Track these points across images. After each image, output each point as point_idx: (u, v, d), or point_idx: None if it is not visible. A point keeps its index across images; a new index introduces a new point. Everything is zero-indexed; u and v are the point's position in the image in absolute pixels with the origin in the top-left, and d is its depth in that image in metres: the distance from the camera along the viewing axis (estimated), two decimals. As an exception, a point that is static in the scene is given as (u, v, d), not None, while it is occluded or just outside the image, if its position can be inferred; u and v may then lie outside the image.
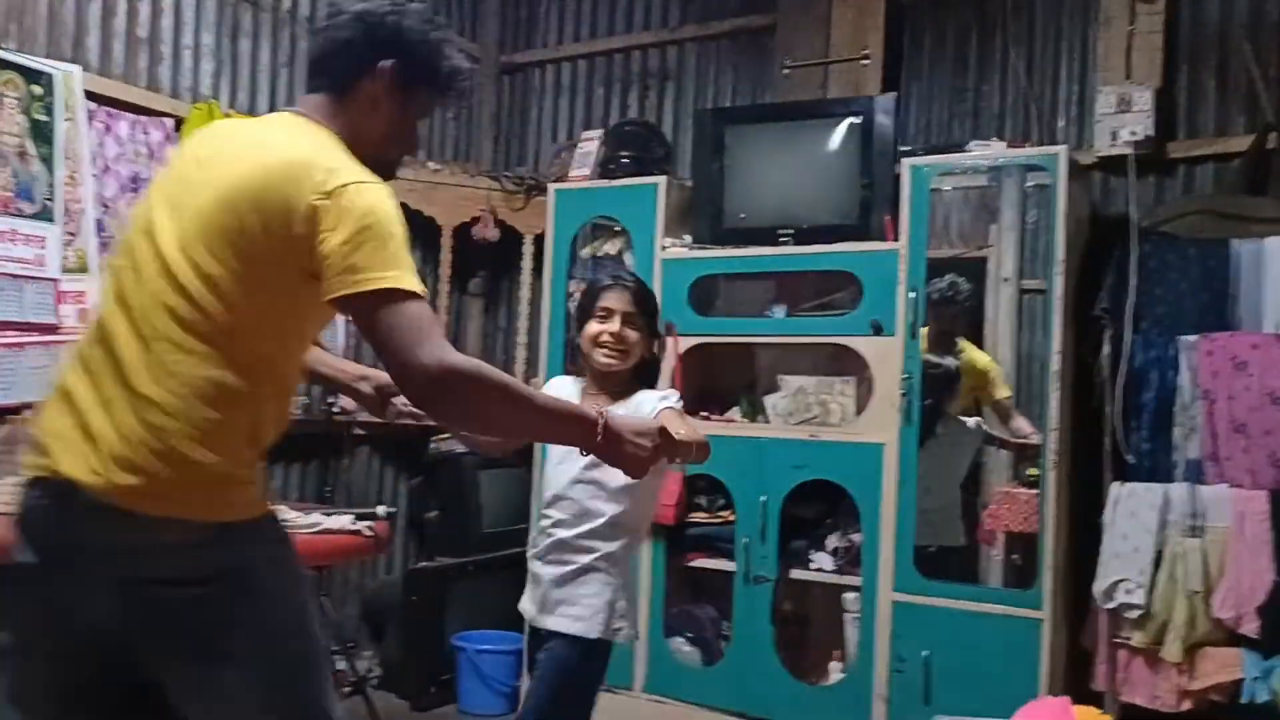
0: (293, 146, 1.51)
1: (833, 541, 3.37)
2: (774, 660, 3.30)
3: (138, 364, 1.45)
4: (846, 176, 3.41)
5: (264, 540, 1.54)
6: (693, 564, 3.58)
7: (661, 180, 3.64)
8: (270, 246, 1.45)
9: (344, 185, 1.43)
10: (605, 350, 2.31)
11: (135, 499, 1.41)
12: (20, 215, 2.97)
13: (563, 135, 4.59)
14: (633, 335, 2.31)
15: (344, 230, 1.40)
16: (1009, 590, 3.22)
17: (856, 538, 3.30)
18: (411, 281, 1.41)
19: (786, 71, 3.90)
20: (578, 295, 2.97)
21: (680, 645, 3.56)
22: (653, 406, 2.24)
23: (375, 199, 1.44)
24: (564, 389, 2.38)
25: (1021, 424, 3.41)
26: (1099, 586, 3.04)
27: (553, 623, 2.25)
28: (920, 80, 3.86)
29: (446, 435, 4.22)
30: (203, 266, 1.46)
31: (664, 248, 3.61)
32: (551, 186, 3.92)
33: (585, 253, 3.90)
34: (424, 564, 4.08)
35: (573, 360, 3.85)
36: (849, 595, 3.34)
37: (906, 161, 3.27)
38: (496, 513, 4.14)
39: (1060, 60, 3.65)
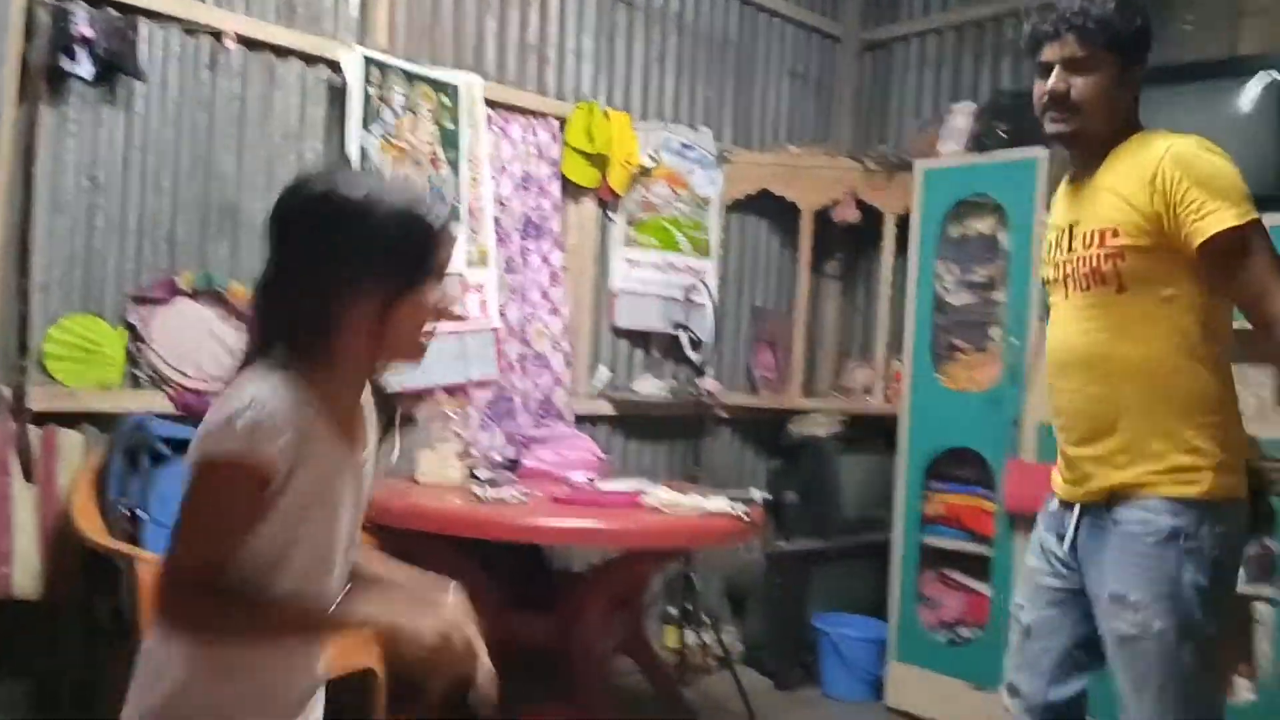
0: None
1: (1242, 547, 3.04)
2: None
3: None
4: (1265, 140, 3.04)
5: None
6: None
7: (1043, 153, 3.41)
8: None
9: None
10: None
11: None
12: (432, 215, 3.29)
13: (926, 111, 4.44)
14: None
15: None
16: None
17: (1270, 544, 2.95)
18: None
19: (1188, 27, 3.53)
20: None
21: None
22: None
23: None
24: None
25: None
26: None
27: None
28: (1355, 24, 3.37)
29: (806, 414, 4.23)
30: None
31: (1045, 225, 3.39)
32: (919, 164, 3.81)
33: (955, 232, 3.75)
34: (784, 546, 4.12)
35: (937, 339, 3.74)
36: (1260, 606, 3.00)
37: (1343, 119, 2.87)
38: (858, 497, 4.10)
39: None
